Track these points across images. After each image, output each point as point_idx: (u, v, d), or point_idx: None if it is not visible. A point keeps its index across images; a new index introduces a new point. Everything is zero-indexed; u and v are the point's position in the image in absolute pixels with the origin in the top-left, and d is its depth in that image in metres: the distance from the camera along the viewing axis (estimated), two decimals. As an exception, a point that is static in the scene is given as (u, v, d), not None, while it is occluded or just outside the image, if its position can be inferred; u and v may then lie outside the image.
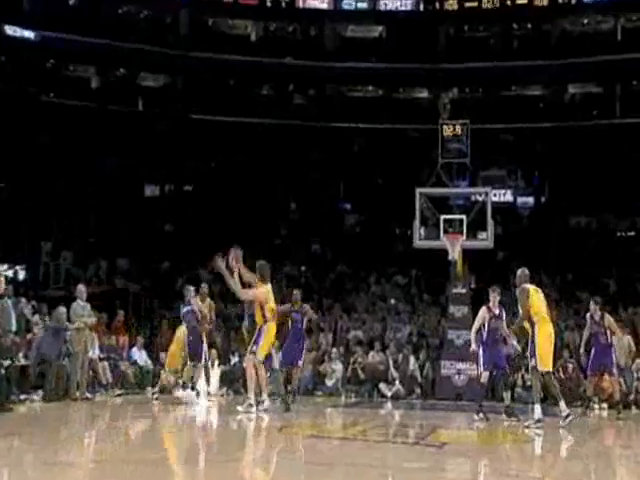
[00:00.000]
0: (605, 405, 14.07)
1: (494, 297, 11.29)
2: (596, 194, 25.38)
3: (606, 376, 12.95)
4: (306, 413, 11.78)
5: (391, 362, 15.99)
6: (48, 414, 11.31)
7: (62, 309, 13.31)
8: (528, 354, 10.24)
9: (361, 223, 27.04)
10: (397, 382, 15.57)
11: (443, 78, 26.57)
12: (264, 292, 10.89)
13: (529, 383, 13.85)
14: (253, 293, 10.91)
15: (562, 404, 10.04)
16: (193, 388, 12.90)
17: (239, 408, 10.84)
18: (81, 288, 13.41)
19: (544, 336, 9.98)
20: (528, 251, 21.79)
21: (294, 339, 13.36)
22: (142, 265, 23.37)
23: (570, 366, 14.90)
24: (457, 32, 28.04)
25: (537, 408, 10.01)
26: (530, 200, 28.54)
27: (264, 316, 10.86)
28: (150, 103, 27.84)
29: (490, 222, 16.42)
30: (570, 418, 9.89)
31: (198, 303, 12.78)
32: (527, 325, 10.18)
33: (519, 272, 10.37)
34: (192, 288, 12.98)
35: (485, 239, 16.46)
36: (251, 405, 10.71)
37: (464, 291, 16.22)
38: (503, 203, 26.68)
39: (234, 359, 16.81)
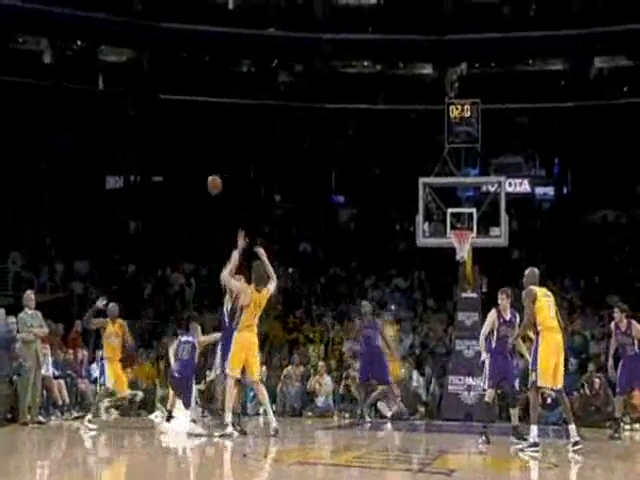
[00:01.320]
0: (638, 425, 14.10)
1: (503, 300, 11.28)
2: (626, 184, 25.45)
3: (637, 392, 12.94)
4: (293, 437, 11.75)
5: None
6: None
7: (12, 318, 13.33)
8: (530, 367, 10.25)
9: (356, 218, 27.07)
10: (398, 400, 15.55)
11: (449, 51, 26.56)
12: (250, 294, 10.95)
13: (549, 401, 13.92)
14: (237, 285, 11.02)
15: (572, 428, 10.04)
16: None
17: (216, 434, 10.86)
18: (29, 295, 13.45)
19: (548, 348, 9.96)
20: (548, 249, 21.87)
21: (370, 358, 14.43)
22: (103, 268, 23.29)
23: (597, 381, 14.91)
24: (465, -2, 28.03)
25: (533, 430, 10.02)
26: (550, 191, 28.61)
27: (238, 322, 10.94)
28: (112, 81, 27.75)
29: (504, 216, 16.42)
30: (578, 447, 9.88)
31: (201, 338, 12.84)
32: (532, 334, 10.18)
33: (527, 272, 10.38)
34: (199, 326, 13.00)
35: (498, 236, 16.45)
36: (227, 425, 10.81)
37: (474, 296, 16.23)
38: (519, 194, 26.77)
39: (211, 375, 16.75)
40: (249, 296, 10.95)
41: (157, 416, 13.99)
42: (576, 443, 9.91)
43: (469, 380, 15.40)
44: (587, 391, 14.87)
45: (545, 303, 10.09)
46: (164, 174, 28.81)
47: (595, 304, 19.54)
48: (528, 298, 10.08)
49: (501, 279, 18.01)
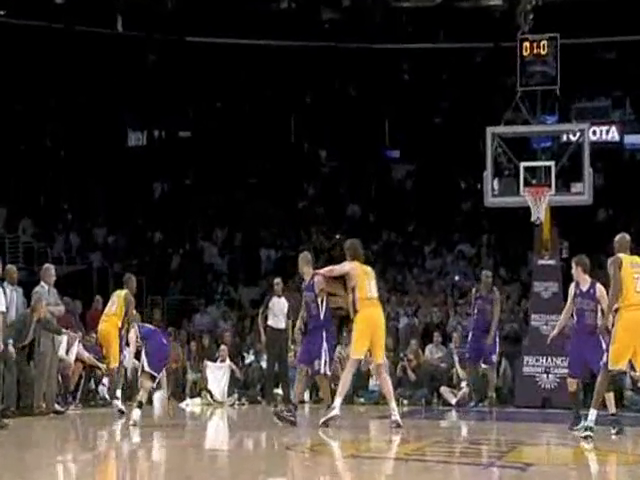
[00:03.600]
0: None
1: (575, 270, 11.14)
2: None
3: None
4: (345, 426, 11.78)
5: (456, 358, 15.97)
6: (17, 432, 11.42)
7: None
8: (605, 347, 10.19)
9: (413, 175, 26.94)
10: (464, 384, 15.53)
11: (522, -22, 26.11)
12: (358, 271, 11.31)
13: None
14: (347, 269, 11.38)
15: None
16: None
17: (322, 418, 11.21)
18: (48, 268, 13.48)
19: (627, 327, 9.87)
20: (639, 208, 21.54)
21: (480, 335, 14.79)
22: (126, 237, 23.52)
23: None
24: None
25: (592, 414, 10.03)
26: (642, 139, 28.17)
27: (353, 304, 11.32)
28: (132, 23, 27.79)
29: (588, 170, 16.20)
30: None
31: None
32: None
33: (617, 238, 10.42)
34: None
35: (581, 193, 16.25)
36: (334, 408, 11.28)
37: (553, 263, 16.10)
38: (605, 143, 26.37)
39: (249, 357, 16.92)
40: (354, 266, 11.32)
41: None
42: None
43: (547, 361, 15.28)
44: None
45: (630, 274, 9.98)
46: (192, 129, 28.89)
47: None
48: (613, 266, 10.00)
49: (585, 243, 17.86)
